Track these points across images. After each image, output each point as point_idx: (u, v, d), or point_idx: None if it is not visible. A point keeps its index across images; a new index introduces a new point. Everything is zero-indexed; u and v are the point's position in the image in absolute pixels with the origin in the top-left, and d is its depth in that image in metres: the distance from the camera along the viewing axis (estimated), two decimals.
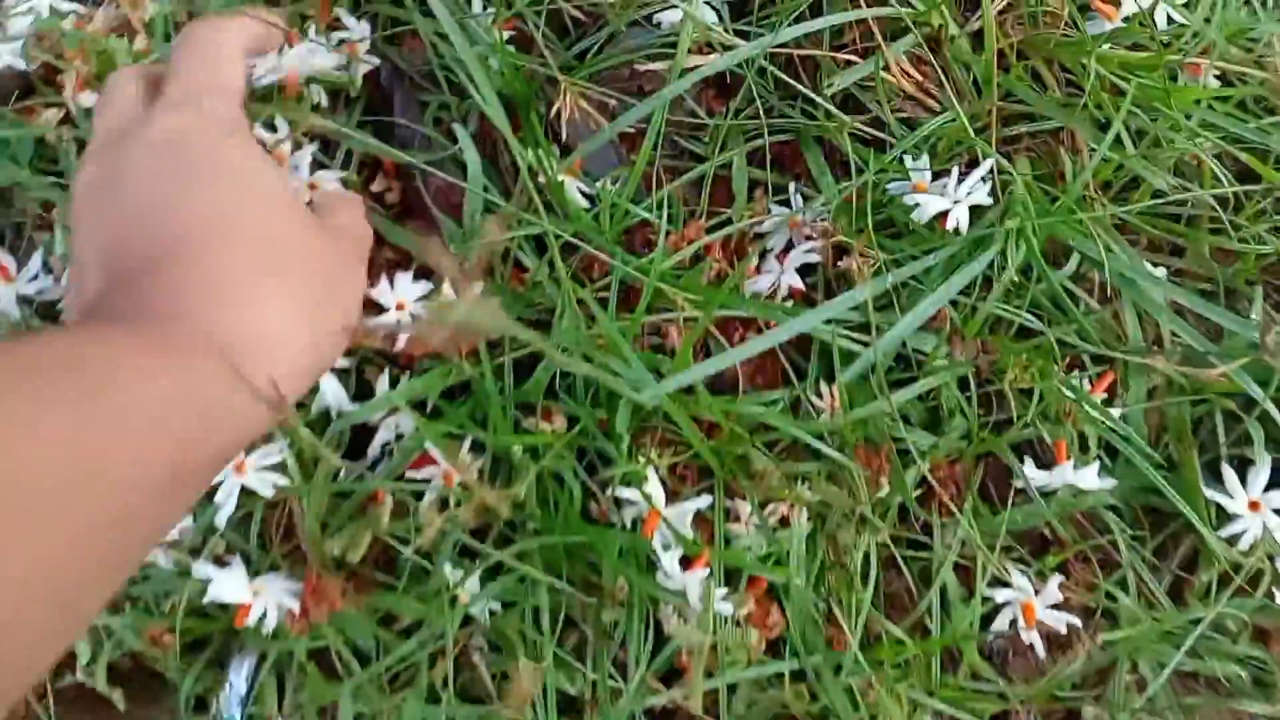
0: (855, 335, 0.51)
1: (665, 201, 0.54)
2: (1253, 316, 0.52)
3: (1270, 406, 0.49)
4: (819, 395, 0.52)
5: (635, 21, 0.56)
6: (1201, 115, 0.53)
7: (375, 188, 0.57)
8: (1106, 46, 0.55)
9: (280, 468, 0.49)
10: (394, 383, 0.52)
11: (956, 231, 0.51)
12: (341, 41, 0.57)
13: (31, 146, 0.58)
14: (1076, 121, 0.51)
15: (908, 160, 0.53)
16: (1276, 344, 0.48)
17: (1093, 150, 0.50)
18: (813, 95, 0.53)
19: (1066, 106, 0.52)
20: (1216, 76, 0.56)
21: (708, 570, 0.47)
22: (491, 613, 0.50)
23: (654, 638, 0.49)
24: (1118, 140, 0.54)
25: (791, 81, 0.54)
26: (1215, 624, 0.50)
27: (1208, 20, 0.55)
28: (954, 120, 0.52)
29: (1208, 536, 0.49)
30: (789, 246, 0.56)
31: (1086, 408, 0.49)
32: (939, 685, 0.49)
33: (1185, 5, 0.57)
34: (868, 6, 0.54)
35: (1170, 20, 0.56)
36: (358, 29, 0.58)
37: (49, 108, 0.58)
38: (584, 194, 0.55)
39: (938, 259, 0.51)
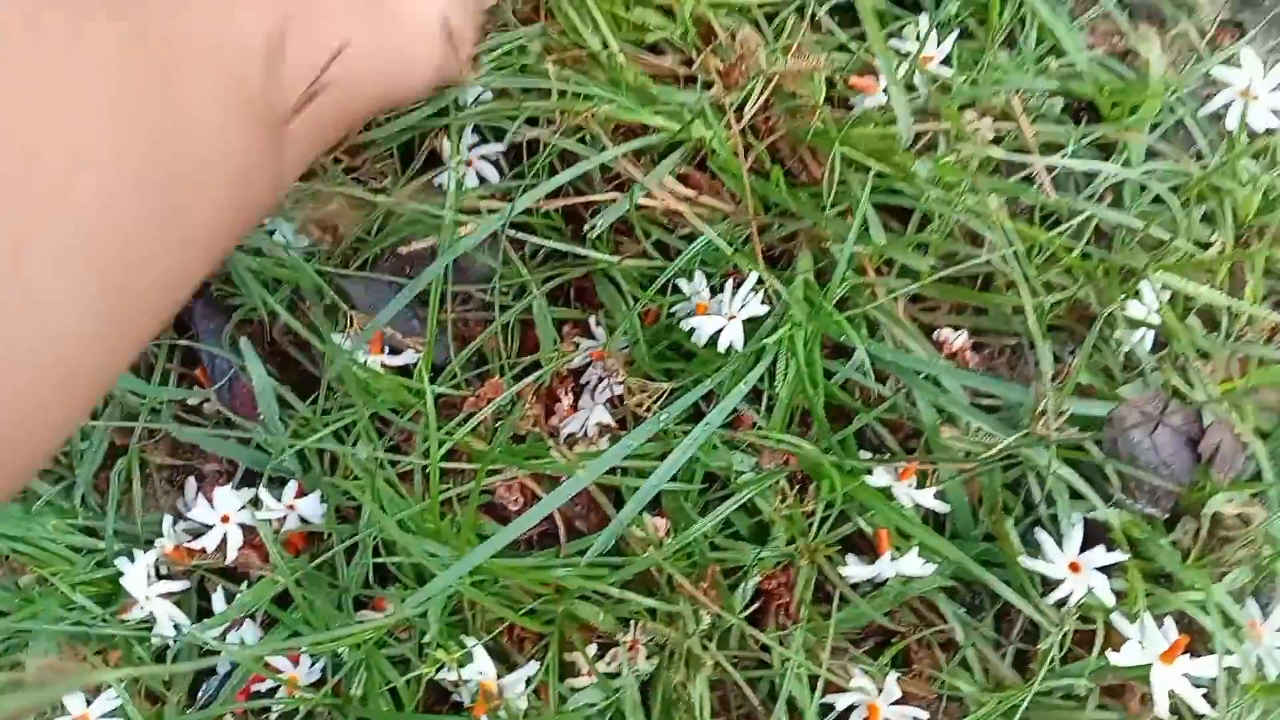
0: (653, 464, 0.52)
1: (456, 370, 0.55)
2: (1043, 367, 0.51)
3: (1059, 466, 0.48)
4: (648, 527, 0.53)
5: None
6: (956, 177, 0.53)
7: (192, 401, 0.59)
8: (873, 125, 0.56)
9: (120, 712, 0.51)
10: (230, 598, 0.54)
11: (731, 349, 0.51)
12: None
13: None
14: (823, 219, 0.52)
15: (683, 284, 0.54)
16: (1058, 402, 0.48)
17: (844, 256, 0.51)
18: (575, 249, 0.54)
19: (820, 204, 0.53)
20: (994, 140, 0.56)
21: None
22: None
23: None
24: (902, 213, 0.54)
25: (557, 230, 0.56)
26: (1065, 692, 0.50)
27: (972, 82, 0.55)
28: (715, 238, 0.53)
29: (1024, 608, 0.48)
30: (599, 381, 0.57)
31: (888, 506, 0.49)
32: None
33: (946, 62, 0.57)
34: (624, 140, 0.55)
35: (946, 89, 0.56)
36: None
37: None
38: (392, 367, 0.56)
39: (723, 378, 0.52)
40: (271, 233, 0.57)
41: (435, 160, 0.58)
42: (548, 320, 0.58)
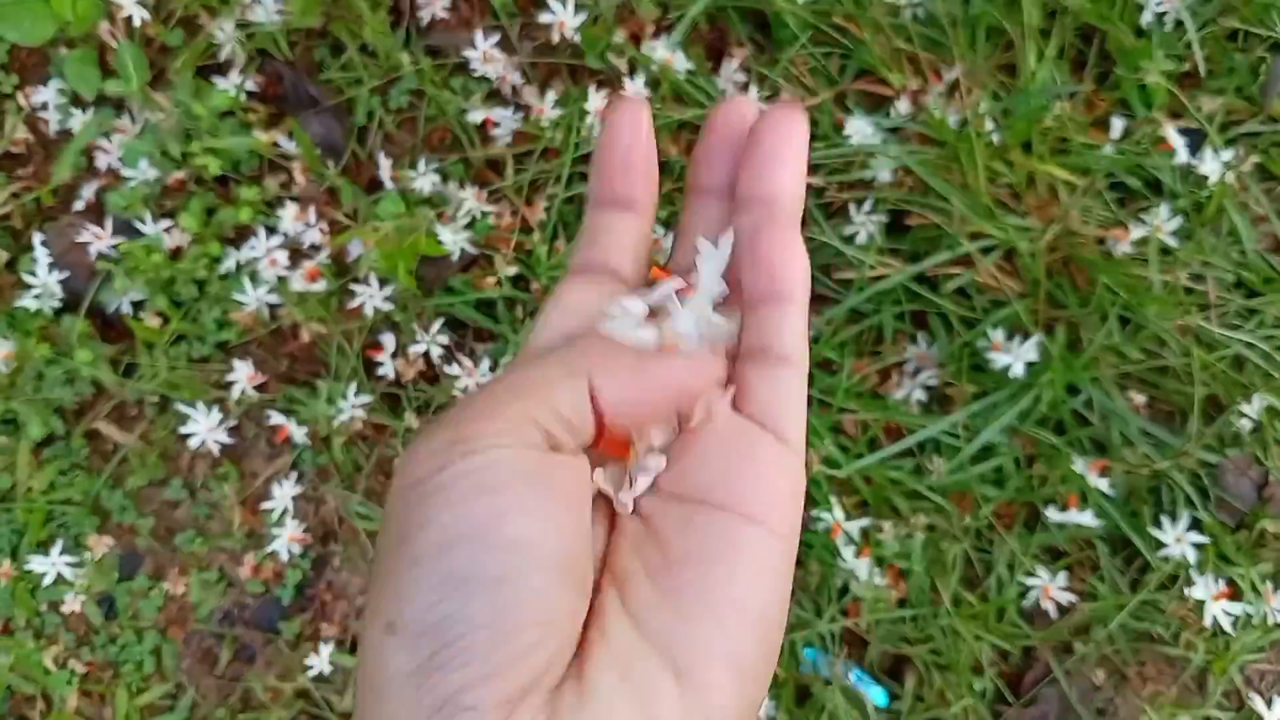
0: (954, 434, 0.91)
1: (841, 346, 0.95)
2: (1189, 428, 0.90)
3: (1184, 483, 0.88)
4: (931, 463, 0.92)
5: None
6: (1171, 311, 0.91)
7: None
8: (1129, 254, 0.94)
9: None
10: None
11: (1014, 376, 0.91)
12: None
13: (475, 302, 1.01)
14: (1084, 317, 0.91)
15: (989, 331, 0.93)
16: (1193, 452, 0.87)
17: (1091, 336, 0.89)
18: (926, 293, 0.93)
19: (1085, 304, 0.92)
20: (1194, 276, 0.94)
21: (869, 559, 0.89)
22: None
23: (836, 594, 0.90)
24: (1124, 319, 0.93)
25: (924, 292, 0.95)
26: (1157, 604, 0.90)
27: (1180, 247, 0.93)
28: (1016, 311, 0.91)
29: (1147, 554, 0.88)
30: (917, 371, 0.96)
31: (1081, 481, 0.89)
32: (993, 628, 0.89)
33: (1173, 234, 0.95)
34: (971, 241, 0.93)
35: (1164, 249, 0.94)
36: (660, 233, 0.99)
37: (487, 274, 1.01)
38: None
39: (1003, 394, 0.91)
40: None
41: None
42: (891, 328, 0.97)
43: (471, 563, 0.25)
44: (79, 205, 1.10)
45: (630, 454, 0.30)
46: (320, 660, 1.00)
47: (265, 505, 1.04)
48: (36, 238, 1.07)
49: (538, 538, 0.25)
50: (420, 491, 0.26)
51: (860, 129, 0.93)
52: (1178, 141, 0.95)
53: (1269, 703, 0.89)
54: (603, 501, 0.29)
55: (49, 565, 1.04)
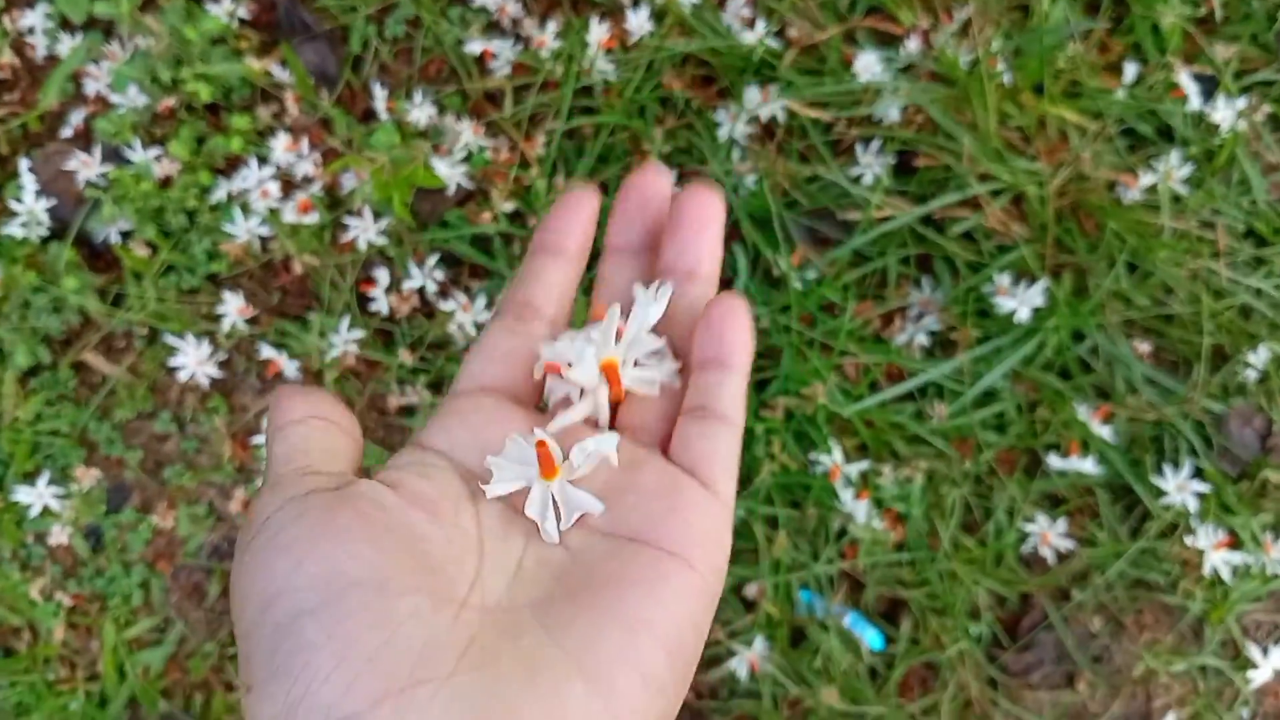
0: (957, 378, 0.90)
1: (845, 289, 0.93)
2: (1194, 376, 0.89)
3: (1188, 431, 0.87)
4: (933, 408, 0.91)
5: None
6: (1180, 260, 0.90)
7: None
8: (1138, 200, 0.92)
9: None
10: None
11: (1019, 321, 0.89)
12: None
13: (469, 237, 0.99)
14: (1091, 263, 0.89)
15: (995, 275, 0.92)
16: (1198, 400, 0.86)
17: (1098, 282, 0.88)
18: (936, 238, 0.92)
19: (1093, 250, 0.90)
20: (1204, 224, 0.92)
21: (867, 501, 0.88)
22: None
23: (834, 536, 0.89)
24: (1131, 265, 0.91)
25: (930, 235, 0.93)
26: (1155, 552, 0.89)
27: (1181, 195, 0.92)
28: (1023, 255, 0.90)
29: (1147, 501, 0.87)
30: (920, 316, 0.95)
31: (1083, 427, 0.88)
32: (990, 573, 0.89)
33: (1182, 182, 0.94)
34: (979, 182, 0.92)
35: (1174, 196, 0.92)
36: None
37: (483, 209, 0.99)
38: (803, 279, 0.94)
39: (1007, 339, 0.90)
40: None
41: None
42: (895, 272, 0.96)
43: (291, 607, 0.26)
44: (67, 132, 1.07)
45: (554, 476, 0.31)
46: None
47: (256, 440, 1.03)
48: (23, 164, 1.05)
49: (341, 568, 0.27)
50: (238, 564, 0.28)
51: (869, 65, 0.91)
52: (1191, 88, 0.93)
53: (1265, 652, 0.89)
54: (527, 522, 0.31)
55: (35, 497, 1.03)
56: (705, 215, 0.34)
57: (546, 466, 0.31)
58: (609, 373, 0.33)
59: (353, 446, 0.32)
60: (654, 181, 0.35)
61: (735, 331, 0.32)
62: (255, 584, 0.27)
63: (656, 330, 0.34)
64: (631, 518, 0.30)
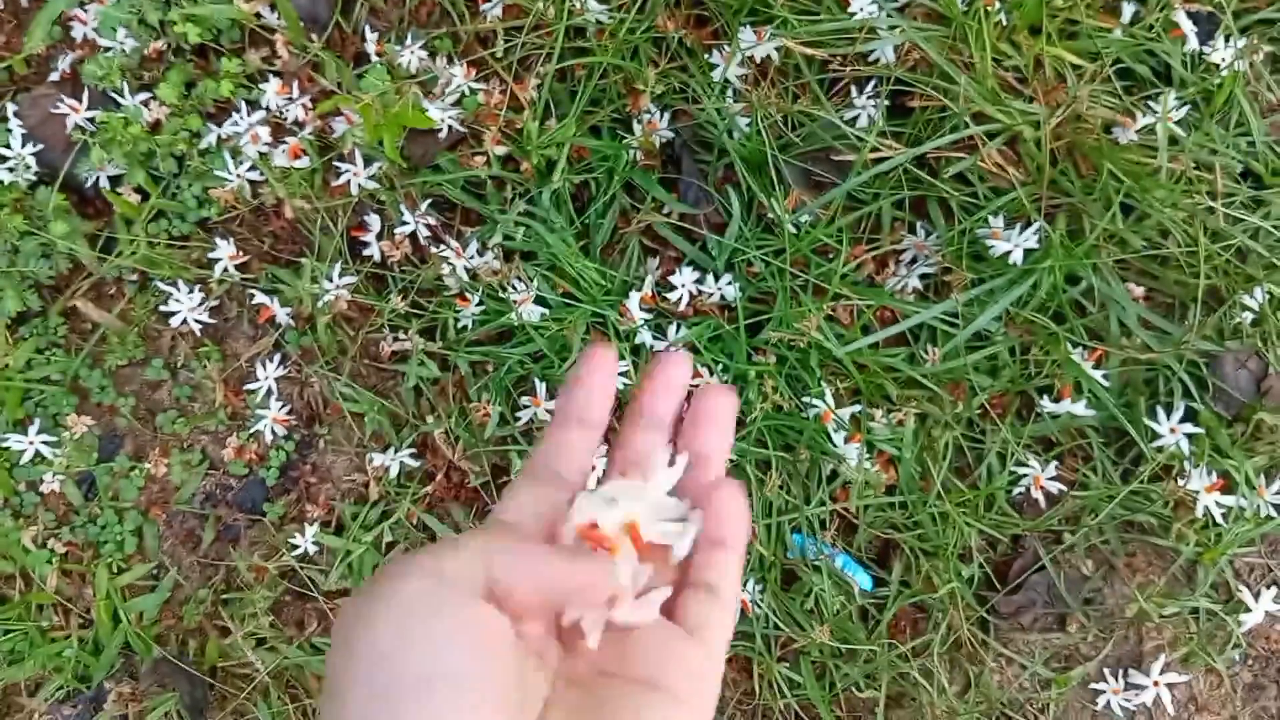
0: (949, 321, 0.89)
1: (839, 232, 0.92)
2: (1189, 319, 0.89)
3: (1182, 373, 0.86)
4: (926, 351, 0.91)
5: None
6: (1176, 200, 0.89)
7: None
8: (1135, 141, 0.91)
9: None
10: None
11: (1013, 263, 0.89)
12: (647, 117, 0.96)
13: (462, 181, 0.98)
14: (1087, 205, 0.88)
15: (990, 218, 0.91)
16: (1193, 342, 0.85)
17: (1094, 222, 0.87)
18: (925, 177, 0.91)
19: (1089, 192, 0.89)
20: (1200, 165, 0.91)
21: (859, 444, 0.87)
22: None
23: (826, 479, 0.89)
24: (1127, 208, 0.91)
25: (925, 177, 0.92)
26: (1148, 494, 0.89)
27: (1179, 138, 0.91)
28: (1018, 197, 0.89)
29: (1141, 444, 0.87)
30: (914, 260, 0.94)
31: (1077, 370, 0.87)
32: (982, 516, 0.89)
33: (1179, 123, 0.93)
34: (974, 124, 0.91)
35: (1171, 138, 0.91)
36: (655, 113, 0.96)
37: (475, 153, 0.98)
38: (795, 224, 0.94)
39: (1001, 280, 0.89)
40: None
41: None
42: (889, 216, 0.95)
43: (391, 679, 0.30)
44: (54, 76, 1.06)
45: (647, 551, 0.36)
46: (305, 540, 0.99)
47: (249, 386, 1.03)
48: (9, 108, 1.04)
49: (456, 668, 0.30)
50: (359, 604, 0.31)
51: (864, 3, 0.90)
52: (1189, 27, 0.92)
53: (1257, 595, 0.89)
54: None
55: (26, 444, 1.03)
56: (721, 413, 0.38)
57: (643, 549, 0.37)
58: (631, 531, 0.37)
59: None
60: (679, 370, 0.39)
61: (736, 516, 0.37)
62: (379, 628, 0.31)
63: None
64: (635, 661, 0.34)
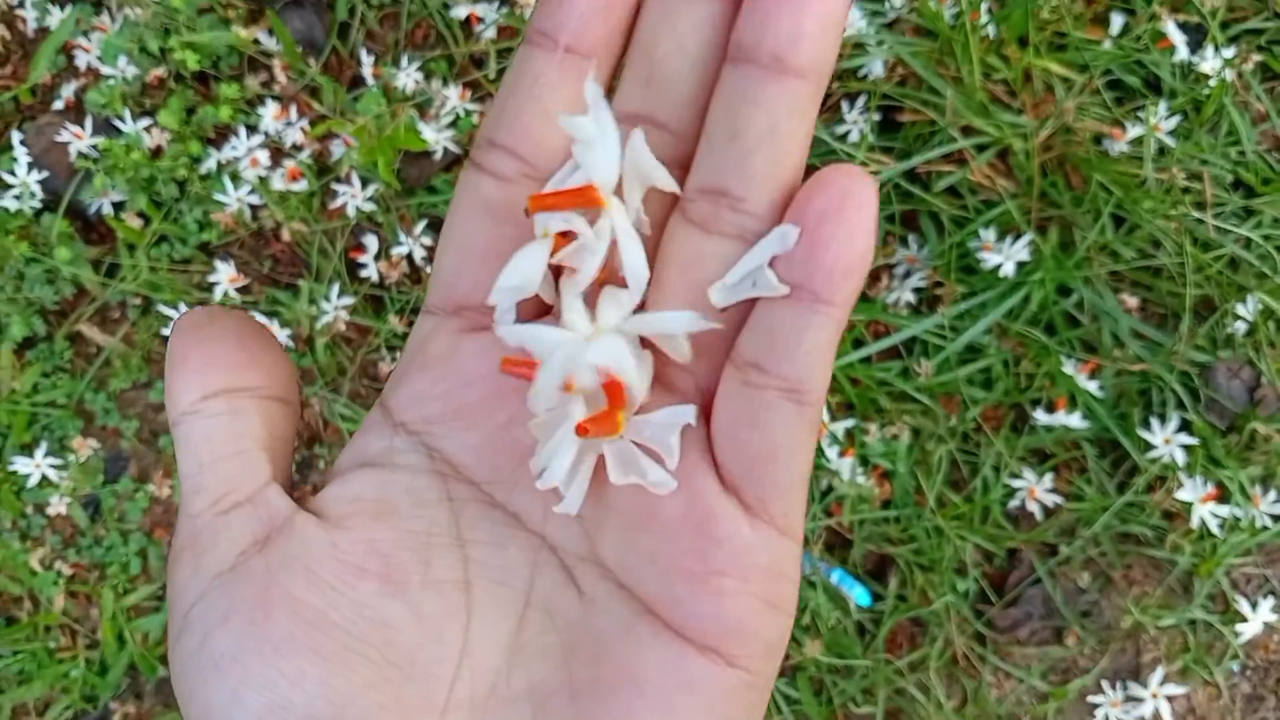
0: (942, 334, 0.90)
1: None
2: (1182, 328, 0.89)
3: (1175, 384, 0.86)
4: (919, 365, 0.91)
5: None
6: (1167, 211, 0.89)
7: None
8: (1125, 153, 0.92)
9: None
10: None
11: (1004, 276, 0.89)
12: None
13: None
14: (1077, 217, 0.89)
15: (981, 230, 0.91)
16: (1184, 353, 0.85)
17: (1084, 237, 0.88)
18: (916, 190, 0.91)
19: (1078, 203, 0.89)
20: (1191, 176, 0.91)
21: (853, 459, 0.88)
22: None
23: (820, 494, 0.90)
24: (1118, 219, 0.91)
25: (915, 191, 0.93)
26: (1142, 505, 0.89)
27: (1168, 148, 0.91)
28: (1009, 210, 0.89)
29: (1135, 455, 0.87)
30: (908, 274, 0.95)
31: (1070, 382, 0.87)
32: (977, 529, 0.89)
33: (1171, 133, 0.93)
34: (963, 137, 0.91)
35: (1162, 148, 0.92)
36: None
37: None
38: None
39: (993, 293, 0.89)
40: None
41: None
42: (882, 230, 0.95)
43: None
44: (59, 105, 1.08)
45: (618, 432, 0.22)
46: None
47: None
48: (15, 137, 1.05)
49: (286, 699, 0.21)
50: (173, 666, 0.23)
51: (854, 19, 0.91)
52: (1178, 38, 0.92)
53: (1254, 605, 0.89)
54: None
55: (33, 467, 1.04)
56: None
57: (607, 420, 0.22)
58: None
59: (274, 409, 0.24)
60: None
61: (850, 236, 0.20)
62: (192, 708, 0.22)
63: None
64: (648, 572, 0.22)
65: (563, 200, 0.22)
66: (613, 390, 0.21)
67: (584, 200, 0.21)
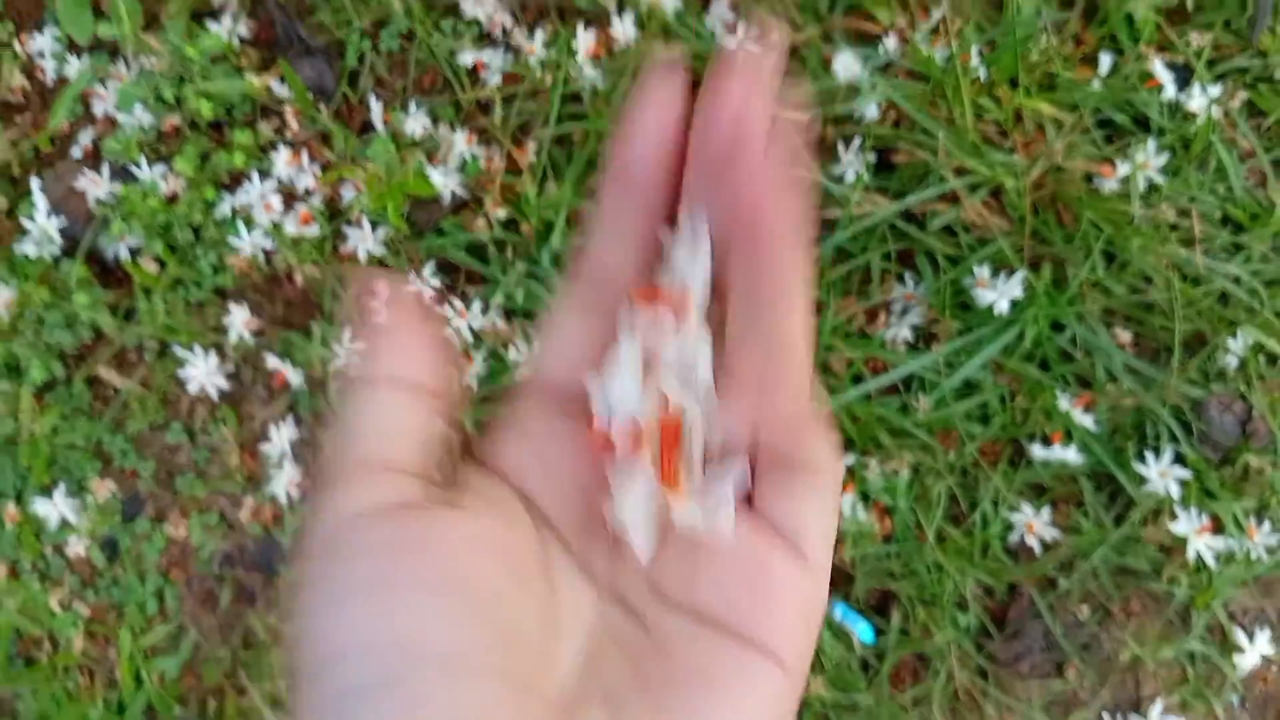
0: (939, 370, 0.92)
1: (829, 286, 0.95)
2: (1174, 363, 0.90)
3: (1168, 418, 0.88)
4: (917, 401, 0.93)
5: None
6: (1156, 247, 0.91)
7: None
8: (1115, 191, 0.94)
9: None
10: None
11: (997, 313, 0.91)
12: None
13: (465, 243, 1.02)
14: (1069, 254, 0.90)
15: (975, 268, 0.93)
16: (1176, 387, 0.87)
17: (1076, 274, 0.89)
18: (911, 230, 0.93)
19: (1069, 241, 0.91)
20: (1180, 212, 0.93)
21: (853, 494, 0.89)
22: None
23: None
24: (1109, 256, 0.93)
25: (911, 231, 0.95)
26: (1139, 538, 0.90)
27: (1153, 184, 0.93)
28: (1002, 248, 0.92)
29: (1129, 488, 0.89)
30: (905, 311, 0.97)
31: (1064, 418, 0.89)
32: (977, 563, 0.90)
33: (1160, 170, 0.95)
34: (956, 177, 0.93)
35: (1151, 185, 0.93)
36: None
37: (477, 216, 1.02)
38: None
39: (988, 330, 0.91)
40: None
41: None
42: (878, 268, 0.97)
43: (354, 679, 0.23)
44: (77, 152, 1.11)
45: (674, 480, 0.26)
46: None
47: (264, 449, 1.06)
48: (35, 184, 1.08)
49: (413, 637, 0.23)
50: (301, 582, 0.24)
51: (847, 64, 0.93)
52: (1165, 77, 0.95)
53: (1251, 637, 0.90)
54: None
55: (53, 509, 1.06)
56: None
57: (667, 473, 0.26)
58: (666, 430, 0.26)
59: (440, 425, 0.27)
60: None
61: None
62: (315, 631, 0.23)
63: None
64: (710, 593, 0.25)
65: (661, 298, 0.26)
66: (668, 446, 0.25)
67: (676, 307, 0.26)
